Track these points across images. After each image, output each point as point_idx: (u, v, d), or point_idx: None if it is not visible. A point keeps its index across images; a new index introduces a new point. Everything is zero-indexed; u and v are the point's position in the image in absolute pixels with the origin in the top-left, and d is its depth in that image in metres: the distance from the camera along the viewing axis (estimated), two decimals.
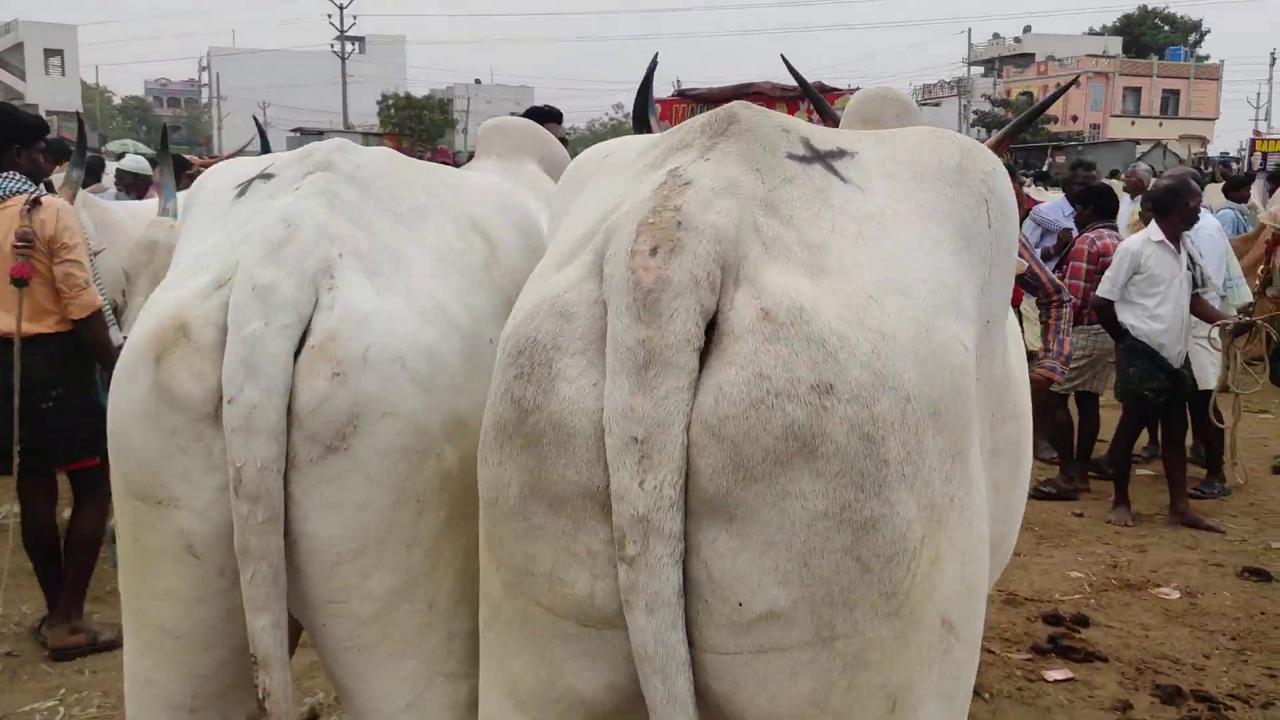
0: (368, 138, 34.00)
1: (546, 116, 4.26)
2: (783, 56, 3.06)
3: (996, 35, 67.92)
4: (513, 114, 4.04)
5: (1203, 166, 24.76)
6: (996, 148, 2.88)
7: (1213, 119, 58.81)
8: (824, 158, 1.64)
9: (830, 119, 3.36)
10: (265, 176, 2.07)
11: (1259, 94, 59.31)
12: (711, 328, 1.40)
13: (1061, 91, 4.10)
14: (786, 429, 1.34)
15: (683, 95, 8.55)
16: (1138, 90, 58.23)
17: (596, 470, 1.41)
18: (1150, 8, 65.69)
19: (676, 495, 1.35)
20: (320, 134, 27.75)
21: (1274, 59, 59.60)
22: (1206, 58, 64.28)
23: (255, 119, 6.73)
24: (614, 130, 50.99)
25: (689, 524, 1.38)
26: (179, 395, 1.81)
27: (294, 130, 34.33)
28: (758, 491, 1.35)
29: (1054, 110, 46.63)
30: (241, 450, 1.74)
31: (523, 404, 1.46)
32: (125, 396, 1.89)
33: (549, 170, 3.11)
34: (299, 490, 1.79)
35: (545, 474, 1.45)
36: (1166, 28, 66.03)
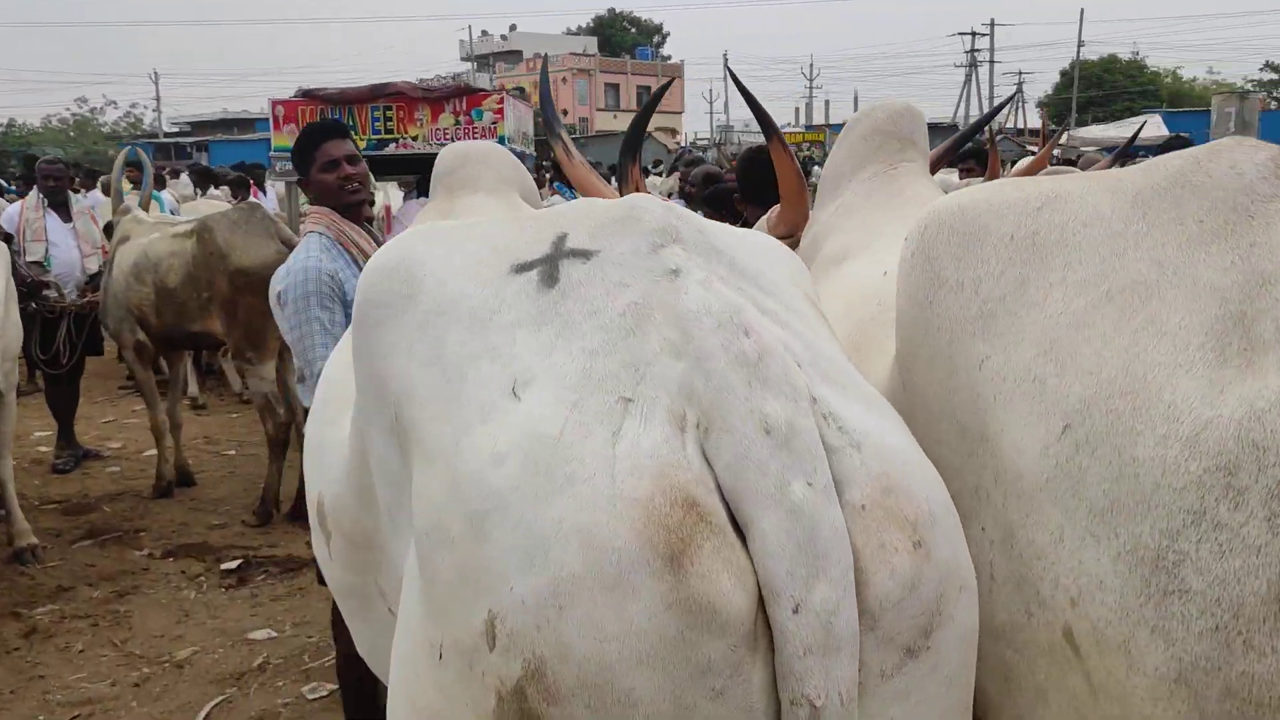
0: None
1: (335, 132, 3.74)
2: (729, 70, 2.95)
3: (485, 33, 70.36)
4: None
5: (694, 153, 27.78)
6: None
7: (680, 112, 65.89)
8: None
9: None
10: (577, 255, 1.45)
11: (710, 89, 67.37)
12: None
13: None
14: None
15: (310, 96, 7.80)
16: (616, 86, 63.60)
17: None
18: (618, 10, 71.81)
19: None
20: None
21: (726, 60, 68.02)
22: (669, 57, 71.76)
23: None
24: (77, 127, 45.09)
25: None
26: (722, 610, 1.18)
27: None
28: None
29: (556, 106, 49.28)
30: (821, 680, 1.17)
31: None
32: (599, 630, 1.18)
33: (528, 202, 2.75)
34: None
35: None
36: (633, 29, 72.66)
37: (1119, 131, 33.36)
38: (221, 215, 6.73)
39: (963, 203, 1.63)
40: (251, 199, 11.14)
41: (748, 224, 4.19)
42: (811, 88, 68.26)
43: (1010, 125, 43.90)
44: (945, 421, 1.60)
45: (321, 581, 3.76)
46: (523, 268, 1.46)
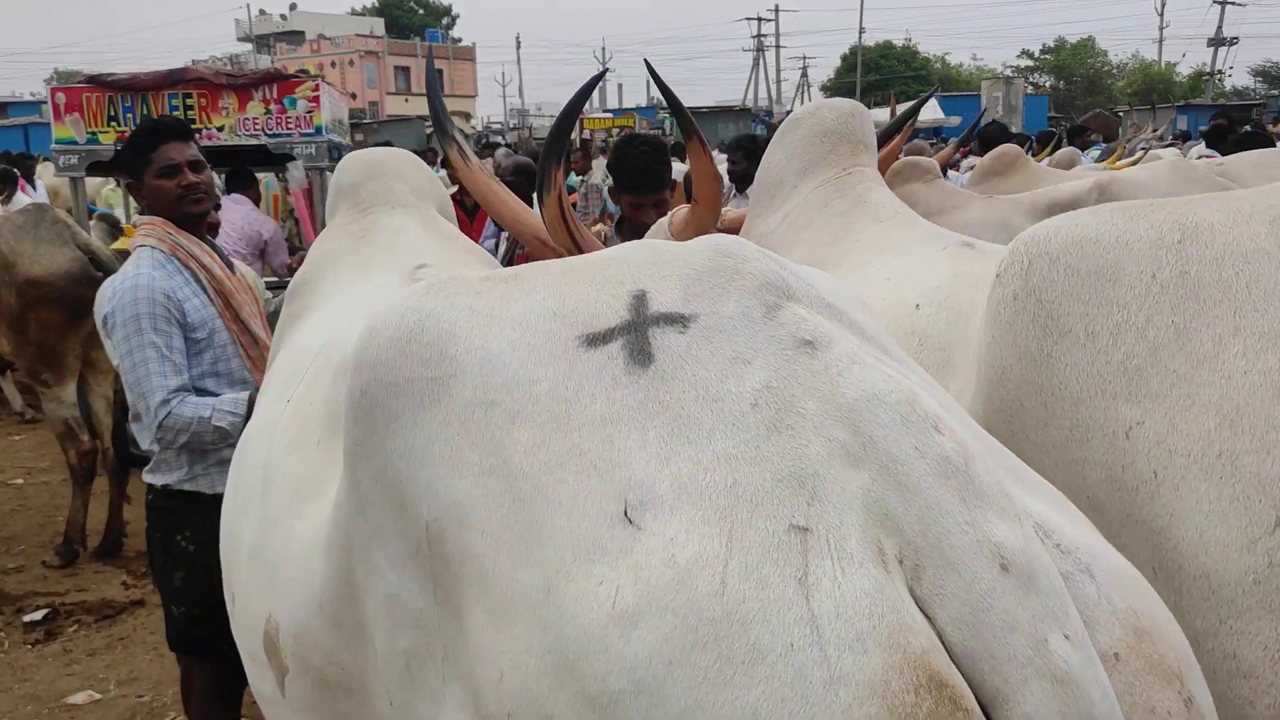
0: None
1: (176, 133, 3.23)
2: (648, 63, 2.66)
3: (263, 12, 66.85)
4: None
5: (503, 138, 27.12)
6: None
7: (473, 96, 64.76)
8: None
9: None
10: (669, 321, 1.12)
11: (503, 72, 66.56)
12: None
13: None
14: None
15: (96, 82, 6.99)
16: (407, 69, 61.74)
17: None
18: None
19: None
20: None
21: (519, 42, 67.30)
22: (460, 40, 70.31)
23: None
24: None
25: None
26: None
27: None
28: None
29: (345, 89, 47.42)
30: None
31: None
32: None
33: (446, 218, 2.38)
34: None
35: None
36: (421, 10, 70.78)
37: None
38: (4, 219, 5.92)
39: (1075, 234, 1.41)
40: (21, 194, 9.97)
41: (625, 217, 3.95)
42: (605, 71, 68.35)
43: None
44: (1067, 497, 1.36)
45: (175, 647, 3.32)
46: (596, 339, 1.11)
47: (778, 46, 61.38)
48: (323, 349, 1.78)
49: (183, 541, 3.21)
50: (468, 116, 58.78)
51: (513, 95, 68.09)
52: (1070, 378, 1.38)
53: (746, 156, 6.52)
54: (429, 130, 34.53)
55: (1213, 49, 48.25)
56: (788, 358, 1.07)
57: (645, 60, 2.66)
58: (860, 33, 55.88)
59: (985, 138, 7.00)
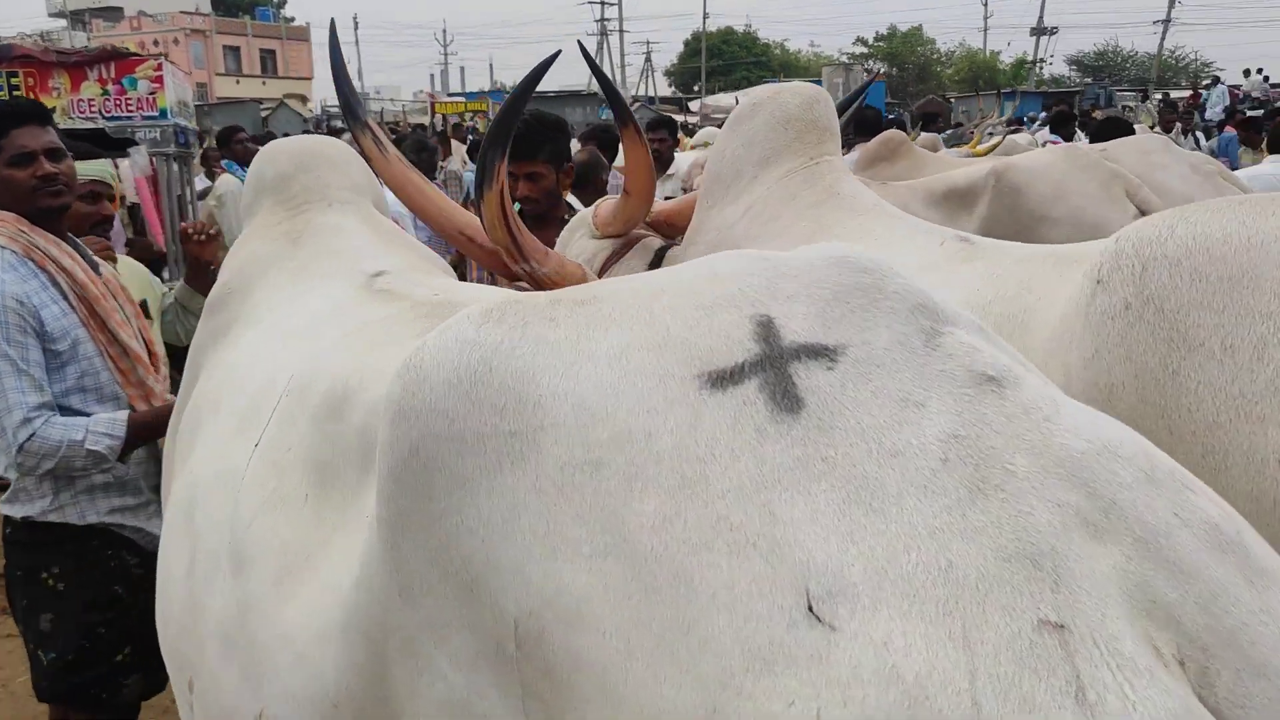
0: None
1: (31, 116, 2.82)
2: (580, 45, 2.41)
3: None
4: None
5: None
6: None
7: (309, 78, 62.36)
8: None
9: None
10: (810, 354, 0.91)
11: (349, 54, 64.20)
12: None
13: None
14: None
15: None
16: (236, 49, 58.97)
17: None
18: None
19: None
20: None
21: (357, 23, 65.15)
22: (293, 19, 67.58)
23: None
24: None
25: None
26: None
27: None
28: None
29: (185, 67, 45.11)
30: None
31: None
32: None
33: (380, 212, 2.09)
34: None
35: None
36: None
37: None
38: None
39: (1197, 235, 1.25)
40: None
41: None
42: (446, 54, 67.04)
43: (642, 94, 45.59)
44: None
45: (45, 697, 2.94)
46: (722, 378, 0.89)
47: (621, 31, 61.36)
48: (291, 381, 1.48)
49: (50, 580, 2.85)
50: (304, 100, 56.62)
51: (351, 77, 65.91)
52: (1204, 398, 1.24)
53: (601, 148, 6.37)
54: (265, 114, 33.06)
55: (1035, 38, 50.73)
56: (969, 398, 0.87)
57: (578, 42, 2.46)
58: (705, 17, 56.44)
59: (861, 123, 7.04)
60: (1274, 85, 29.38)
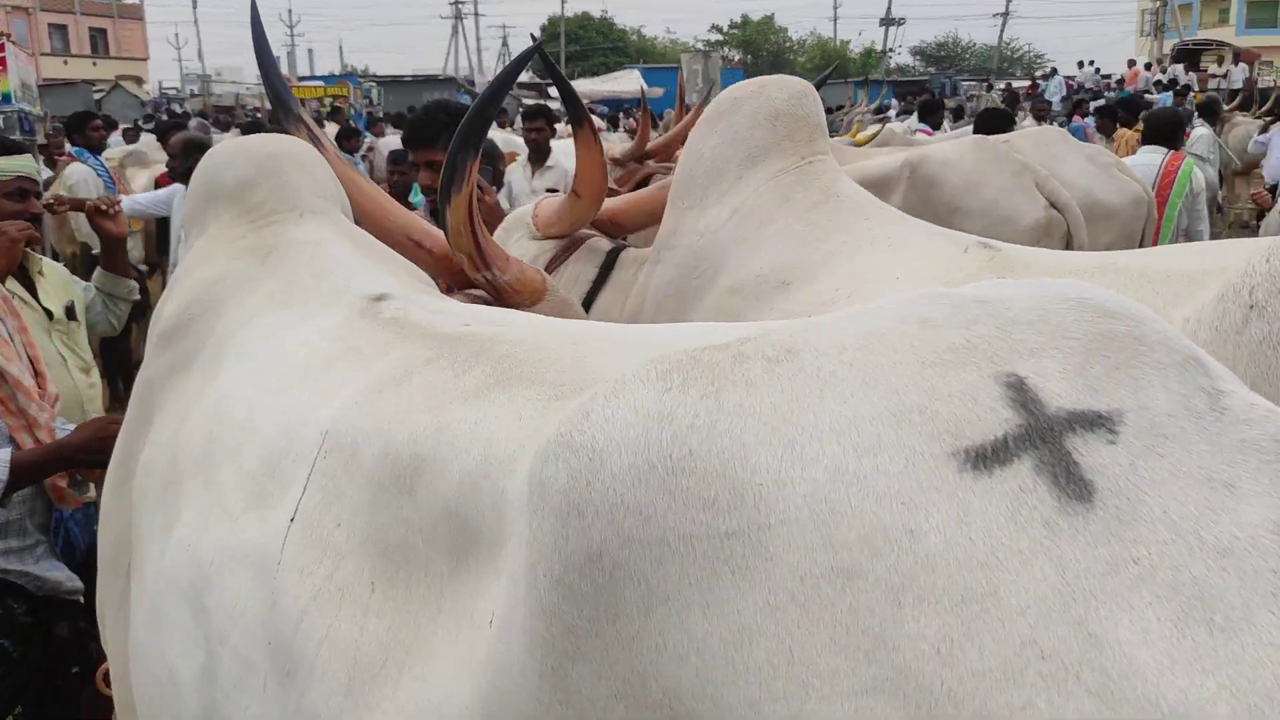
0: None
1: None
2: (532, 36, 2.19)
3: None
4: None
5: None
6: None
7: (145, 59, 59.26)
8: None
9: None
10: (1082, 422, 0.73)
11: (178, 34, 60.99)
12: None
13: None
14: None
15: None
16: (64, 28, 55.52)
17: None
18: None
19: None
20: None
21: (195, 1, 62.00)
22: None
23: None
24: None
25: None
26: None
27: None
28: None
29: None
30: None
31: None
32: None
33: (346, 217, 1.82)
34: None
35: None
36: None
37: (605, 86, 35.70)
38: None
39: None
40: None
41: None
42: (293, 35, 64.57)
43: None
44: None
45: None
46: (983, 457, 0.71)
47: (476, 15, 60.35)
48: (327, 439, 1.22)
49: None
50: (140, 81, 53.75)
51: (190, 59, 62.86)
52: None
53: None
54: (98, 95, 31.03)
55: (884, 28, 52.06)
56: None
57: (532, 35, 2.29)
58: (563, 3, 56.00)
59: None
60: (1104, 76, 31.18)
